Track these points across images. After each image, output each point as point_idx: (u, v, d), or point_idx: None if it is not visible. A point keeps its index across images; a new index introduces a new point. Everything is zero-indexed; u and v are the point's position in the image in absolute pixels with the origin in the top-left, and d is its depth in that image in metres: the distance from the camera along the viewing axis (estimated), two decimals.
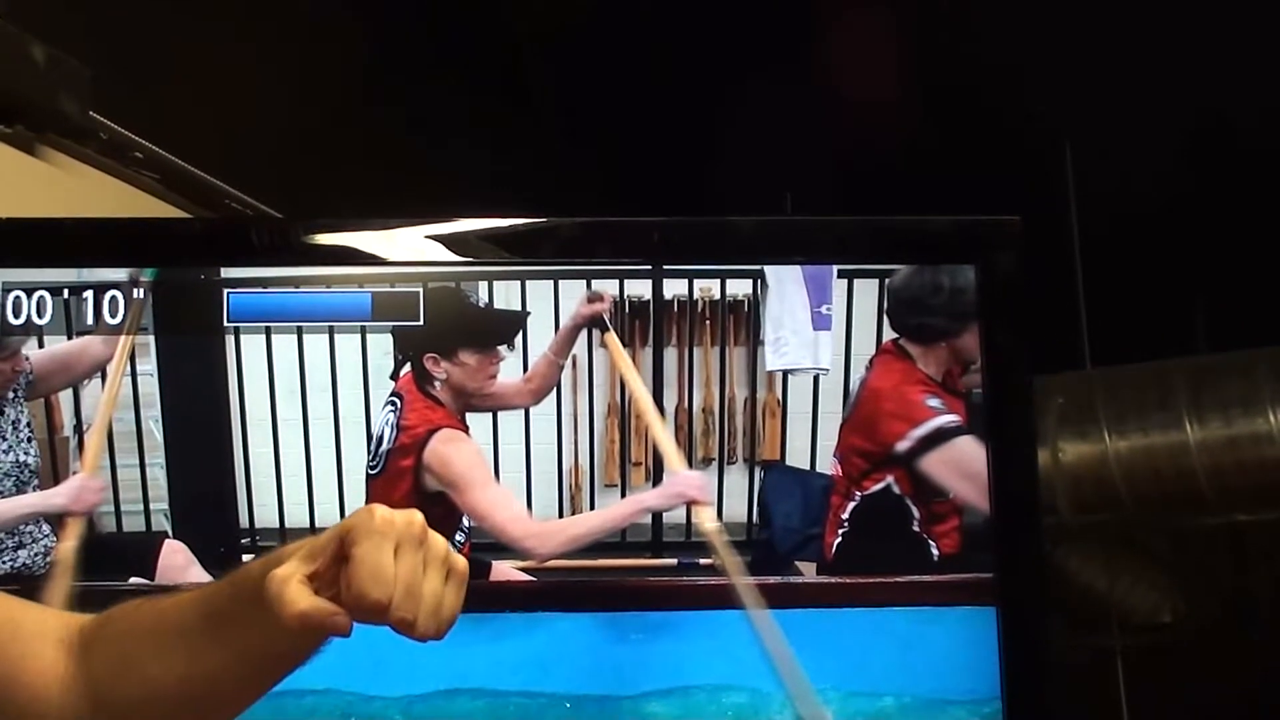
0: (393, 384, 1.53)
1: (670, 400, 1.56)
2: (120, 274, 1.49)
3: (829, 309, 1.54)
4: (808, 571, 1.54)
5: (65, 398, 1.54)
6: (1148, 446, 2.88)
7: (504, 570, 1.51)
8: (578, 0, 2.66)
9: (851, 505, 1.53)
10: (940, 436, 1.51)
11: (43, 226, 1.53)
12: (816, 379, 1.56)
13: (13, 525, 1.48)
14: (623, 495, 1.57)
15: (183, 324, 1.51)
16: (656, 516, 1.56)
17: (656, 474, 1.55)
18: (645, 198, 1.96)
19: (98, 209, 2.04)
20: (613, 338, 1.53)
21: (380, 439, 1.52)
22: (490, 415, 1.55)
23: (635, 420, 1.55)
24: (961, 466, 1.50)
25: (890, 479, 1.52)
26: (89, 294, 1.49)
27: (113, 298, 1.49)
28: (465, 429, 1.53)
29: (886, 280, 1.54)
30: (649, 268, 1.54)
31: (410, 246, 1.49)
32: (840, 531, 1.54)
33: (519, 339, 1.53)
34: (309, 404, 1.54)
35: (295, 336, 1.52)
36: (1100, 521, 3.02)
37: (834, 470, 1.54)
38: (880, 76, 2.70)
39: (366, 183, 2.32)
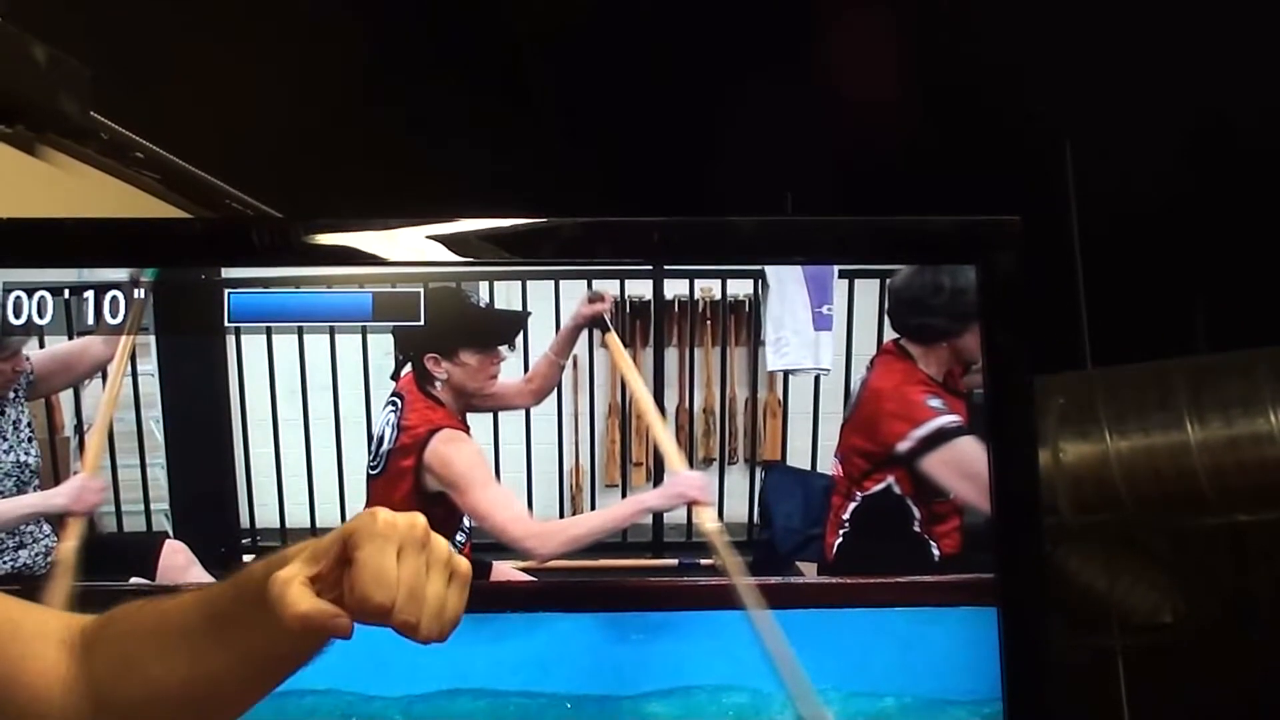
0: (393, 384, 1.53)
1: (671, 400, 1.56)
2: (121, 274, 1.49)
3: (830, 309, 1.53)
4: (809, 572, 1.54)
5: (66, 398, 1.54)
6: (1148, 446, 2.87)
7: (505, 570, 1.51)
8: (578, 0, 2.66)
9: (852, 505, 1.53)
10: (941, 437, 1.51)
11: (43, 226, 1.53)
12: (817, 379, 1.56)
13: (13, 525, 1.48)
14: (623, 495, 1.57)
15: (183, 324, 1.51)
16: (657, 517, 1.56)
17: (657, 474, 1.55)
18: (645, 198, 1.96)
19: (98, 209, 2.04)
20: (613, 338, 1.53)
21: (381, 439, 1.52)
22: (491, 415, 1.55)
23: (636, 420, 1.55)
24: (962, 467, 1.50)
25: (891, 479, 1.52)
26: (90, 294, 1.49)
27: (113, 298, 1.49)
28: (466, 429, 1.53)
29: (887, 280, 1.54)
30: (650, 268, 1.54)
31: (411, 246, 1.49)
32: (841, 532, 1.54)
33: (520, 339, 1.53)
34: (310, 404, 1.54)
35: (296, 336, 1.52)
36: (1100, 521, 3.01)
37: (835, 470, 1.53)
38: (880, 76, 2.69)
39: (366, 183, 2.32)
